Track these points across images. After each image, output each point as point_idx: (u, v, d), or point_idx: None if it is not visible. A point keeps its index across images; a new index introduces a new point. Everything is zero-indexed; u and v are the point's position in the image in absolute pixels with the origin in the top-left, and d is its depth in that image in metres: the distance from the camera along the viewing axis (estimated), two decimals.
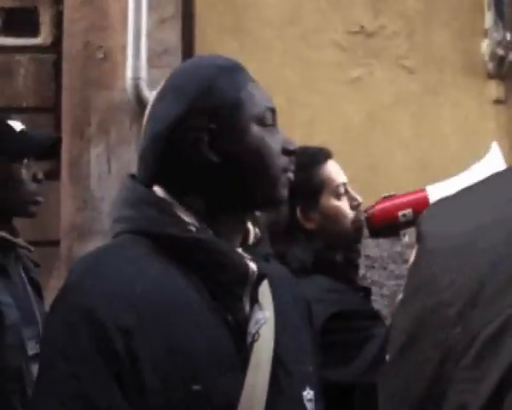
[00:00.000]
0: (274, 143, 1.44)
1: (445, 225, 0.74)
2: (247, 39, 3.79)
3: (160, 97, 1.46)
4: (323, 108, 3.72)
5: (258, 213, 1.68)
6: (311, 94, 3.73)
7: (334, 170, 2.30)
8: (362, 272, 3.42)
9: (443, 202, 0.77)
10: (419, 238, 0.76)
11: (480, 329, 0.67)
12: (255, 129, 1.42)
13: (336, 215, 2.25)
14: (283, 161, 1.45)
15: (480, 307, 0.68)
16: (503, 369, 0.66)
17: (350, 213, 2.27)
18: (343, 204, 2.27)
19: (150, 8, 3.66)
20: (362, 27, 3.80)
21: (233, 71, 1.47)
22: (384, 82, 3.78)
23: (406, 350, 0.74)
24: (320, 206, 2.25)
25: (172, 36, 3.68)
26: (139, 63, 3.63)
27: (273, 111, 1.47)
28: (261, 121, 1.43)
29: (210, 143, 1.40)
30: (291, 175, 1.47)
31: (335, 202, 2.26)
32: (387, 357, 0.79)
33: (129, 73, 3.66)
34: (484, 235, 0.70)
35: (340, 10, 3.79)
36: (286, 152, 1.45)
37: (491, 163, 2.02)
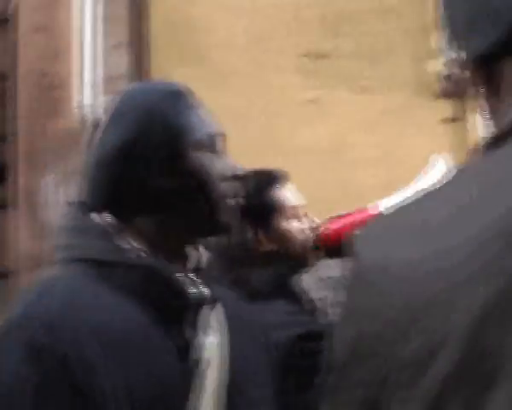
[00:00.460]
0: (216, 168, 1.44)
1: (379, 246, 0.74)
2: (202, 64, 3.79)
3: (104, 125, 1.46)
4: (283, 131, 3.73)
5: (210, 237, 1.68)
6: (271, 117, 3.74)
7: (289, 192, 2.30)
8: (318, 294, 3.41)
9: (378, 221, 0.77)
10: (353, 259, 0.75)
11: (413, 347, 0.68)
12: (197, 155, 1.43)
13: (292, 238, 2.25)
14: (225, 186, 1.45)
15: (413, 325, 0.68)
16: (434, 389, 0.66)
17: (306, 236, 2.27)
18: (299, 226, 2.27)
19: (102, 34, 3.65)
20: (318, 50, 3.82)
21: (176, 96, 1.47)
22: (342, 103, 3.80)
23: (341, 375, 0.74)
24: (276, 228, 2.24)
25: (124, 62, 3.67)
26: (91, 90, 3.61)
27: (216, 136, 1.48)
28: (203, 147, 1.44)
29: (153, 169, 1.40)
30: (234, 201, 1.47)
31: (291, 225, 2.26)
32: (325, 382, 0.79)
33: (81, 100, 3.64)
34: (418, 258, 0.70)
35: (297, 33, 3.81)
36: (228, 178, 1.46)
37: (437, 176, 2.04)
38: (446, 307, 0.66)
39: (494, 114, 0.84)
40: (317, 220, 2.29)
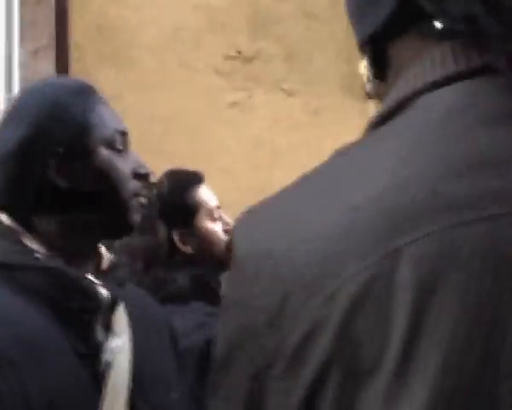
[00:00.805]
0: (124, 166, 1.40)
1: (252, 234, 0.71)
2: (125, 66, 3.74)
3: (5, 121, 1.41)
4: (204, 133, 3.70)
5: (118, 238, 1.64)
6: (192, 119, 3.71)
7: (207, 193, 2.28)
8: None
9: (254, 209, 0.75)
10: (233, 247, 0.73)
11: (288, 337, 0.65)
12: (104, 152, 1.38)
13: (212, 238, 2.23)
14: (134, 185, 1.41)
15: (287, 315, 0.65)
16: (309, 379, 0.63)
17: (224, 237, 2.25)
18: (218, 227, 2.25)
19: (22, 38, 3.58)
20: (239, 51, 3.80)
21: (81, 92, 1.42)
22: (264, 106, 3.78)
23: (223, 369, 0.72)
24: (196, 229, 2.22)
25: (47, 66, 3.60)
26: (12, 95, 3.54)
27: (124, 134, 1.44)
28: (110, 144, 1.40)
29: (57, 167, 1.36)
30: (143, 199, 1.43)
31: (211, 225, 2.24)
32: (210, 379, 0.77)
33: (1, 106, 3.56)
34: (290, 244, 0.67)
35: (217, 34, 3.78)
36: (137, 176, 1.42)
37: None
38: (320, 295, 0.64)
39: (383, 99, 0.82)
40: (232, 223, 2.27)
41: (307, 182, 0.73)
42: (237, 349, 0.70)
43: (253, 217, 0.73)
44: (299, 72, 3.84)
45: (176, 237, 2.20)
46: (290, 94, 3.81)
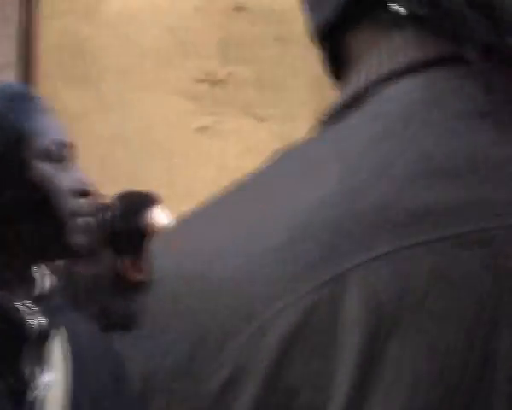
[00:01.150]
0: (63, 181, 1.27)
1: (173, 256, 0.60)
2: (93, 86, 3.65)
3: None
4: (170, 158, 3.60)
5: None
6: (157, 144, 3.61)
7: (160, 215, 2.15)
8: None
9: (174, 226, 0.63)
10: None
11: (203, 386, 0.53)
12: (40, 165, 1.26)
13: None
14: (73, 202, 1.27)
15: (201, 358, 0.53)
16: None
17: None
18: None
19: None
20: (214, 75, 3.71)
21: (19, 99, 1.31)
22: (233, 131, 3.69)
23: None
24: (147, 255, 2.10)
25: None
26: None
27: (65, 145, 1.31)
28: (48, 156, 1.27)
29: None
30: (84, 219, 1.30)
31: None
32: None
33: None
34: (207, 261, 0.56)
35: (187, 57, 3.69)
36: (77, 193, 1.28)
37: None
38: (243, 333, 0.52)
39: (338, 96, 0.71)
40: None
41: (231, 196, 0.61)
42: (145, 398, 0.58)
43: (164, 240, 0.63)
44: (269, 97, 3.75)
45: (125, 264, 2.07)
46: (262, 120, 3.72)
